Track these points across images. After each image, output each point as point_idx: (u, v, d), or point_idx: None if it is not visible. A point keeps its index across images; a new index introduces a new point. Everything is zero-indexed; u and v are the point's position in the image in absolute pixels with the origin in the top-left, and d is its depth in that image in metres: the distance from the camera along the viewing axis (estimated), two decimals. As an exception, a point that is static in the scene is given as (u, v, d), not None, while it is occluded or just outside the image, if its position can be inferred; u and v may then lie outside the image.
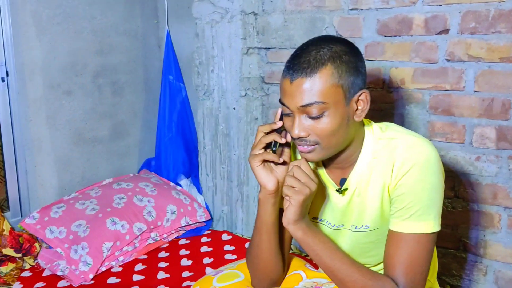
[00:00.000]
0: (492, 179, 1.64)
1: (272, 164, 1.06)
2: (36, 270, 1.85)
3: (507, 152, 1.59)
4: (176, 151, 2.40)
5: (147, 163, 2.50)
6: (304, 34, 1.95)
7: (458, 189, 1.71)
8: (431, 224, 0.99)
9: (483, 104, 1.61)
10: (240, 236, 2.13)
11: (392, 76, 1.78)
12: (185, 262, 1.90)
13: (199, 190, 2.36)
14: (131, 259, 1.93)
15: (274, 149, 1.03)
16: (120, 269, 1.85)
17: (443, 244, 1.77)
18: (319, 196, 1.12)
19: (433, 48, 1.67)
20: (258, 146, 1.04)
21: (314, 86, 0.94)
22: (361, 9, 1.80)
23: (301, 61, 0.96)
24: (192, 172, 2.43)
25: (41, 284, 1.74)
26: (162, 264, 1.88)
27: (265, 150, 1.04)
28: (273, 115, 2.11)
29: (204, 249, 2.01)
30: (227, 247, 2.02)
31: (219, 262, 1.88)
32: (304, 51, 0.98)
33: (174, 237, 2.11)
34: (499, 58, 1.55)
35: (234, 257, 1.93)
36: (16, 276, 1.79)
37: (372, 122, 1.11)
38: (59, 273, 1.78)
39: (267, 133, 1.04)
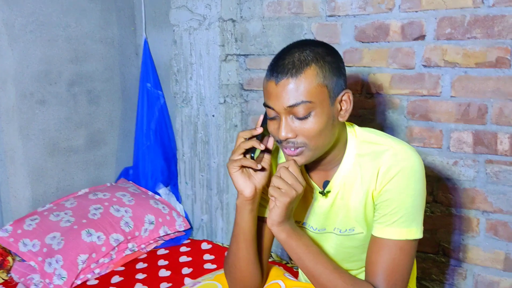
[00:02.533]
0: (470, 183, 1.65)
1: (250, 171, 1.05)
2: (10, 284, 1.78)
3: (484, 156, 1.61)
4: (154, 160, 2.36)
5: (125, 172, 2.45)
6: (283, 41, 1.95)
7: (437, 193, 1.72)
8: (414, 230, 0.99)
9: (460, 109, 1.63)
10: (220, 245, 2.10)
11: (370, 82, 1.79)
12: (163, 272, 1.86)
13: (178, 199, 2.32)
14: (107, 271, 1.88)
15: (253, 155, 1.03)
16: (96, 281, 1.80)
17: (423, 248, 1.78)
18: (301, 200, 1.11)
19: (410, 54, 1.69)
20: (237, 152, 1.03)
21: (300, 86, 0.94)
22: (339, 16, 1.81)
23: (285, 62, 0.96)
24: (171, 180, 2.39)
25: (13, 299, 1.68)
26: (140, 276, 1.84)
27: (245, 156, 1.03)
28: (252, 121, 2.09)
29: (183, 259, 1.97)
30: (206, 257, 1.98)
31: (198, 272, 1.85)
32: (287, 53, 0.98)
33: (153, 247, 2.07)
34: (475, 63, 1.57)
35: (214, 266, 1.89)
36: (-13, 292, 1.73)
37: (353, 124, 1.11)
38: (32, 287, 1.72)
39: (247, 139, 1.03)
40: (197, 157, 2.19)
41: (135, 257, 1.99)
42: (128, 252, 1.96)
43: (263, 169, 1.05)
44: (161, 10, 2.32)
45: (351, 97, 1.02)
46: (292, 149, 0.99)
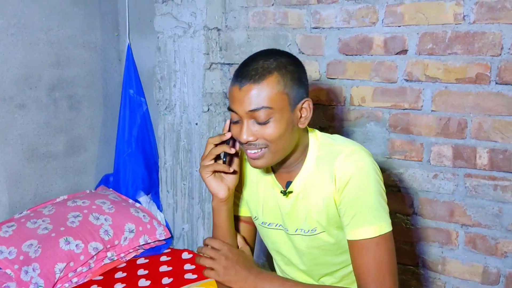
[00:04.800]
0: (449, 196, 1.68)
1: (222, 173, 1.12)
2: (-17, 294, 1.73)
3: (463, 170, 1.64)
4: (135, 167, 2.34)
5: (105, 179, 2.42)
6: (267, 51, 1.95)
7: (417, 206, 1.74)
8: (384, 224, 1.03)
9: (440, 123, 1.65)
10: (201, 254, 2.08)
11: (353, 94, 1.80)
12: (143, 282, 1.83)
13: (159, 207, 2.29)
14: (85, 280, 1.84)
15: (224, 159, 1.10)
16: (74, 291, 1.77)
17: (403, 260, 1.79)
18: (270, 201, 1.16)
19: (392, 68, 1.71)
20: (208, 157, 1.10)
21: (262, 92, 1.00)
22: (323, 28, 1.82)
23: (250, 69, 1.02)
24: (152, 188, 2.37)
25: (-14, 309, 1.64)
26: (119, 286, 1.81)
27: (215, 161, 1.10)
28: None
29: (163, 268, 1.95)
30: (187, 266, 1.96)
31: (178, 281, 1.83)
32: (252, 60, 1.04)
33: (132, 256, 2.04)
34: (455, 78, 1.60)
35: (195, 276, 1.88)
36: (-41, 301, 1.68)
37: (315, 130, 1.16)
38: (7, 297, 1.68)
39: (217, 145, 1.10)
40: (179, 166, 2.17)
41: (114, 266, 1.96)
42: (107, 261, 1.93)
43: (234, 172, 1.13)
44: (146, 17, 2.31)
45: (311, 105, 1.07)
46: (254, 151, 1.04)
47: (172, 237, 2.23)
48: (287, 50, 1.90)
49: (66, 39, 2.19)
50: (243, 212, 1.25)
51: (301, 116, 1.06)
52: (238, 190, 1.23)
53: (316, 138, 1.13)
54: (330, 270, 1.16)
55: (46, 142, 2.16)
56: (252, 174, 1.21)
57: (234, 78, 1.04)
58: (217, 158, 1.12)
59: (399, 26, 1.68)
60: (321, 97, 1.87)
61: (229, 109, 1.05)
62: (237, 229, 1.24)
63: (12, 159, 2.03)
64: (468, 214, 1.65)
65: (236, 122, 1.05)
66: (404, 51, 1.68)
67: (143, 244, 2.06)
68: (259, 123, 1.01)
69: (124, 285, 1.81)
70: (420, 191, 1.73)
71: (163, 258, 2.04)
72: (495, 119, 1.56)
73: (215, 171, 1.11)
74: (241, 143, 1.06)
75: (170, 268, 1.95)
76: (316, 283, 1.17)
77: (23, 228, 1.88)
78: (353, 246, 1.04)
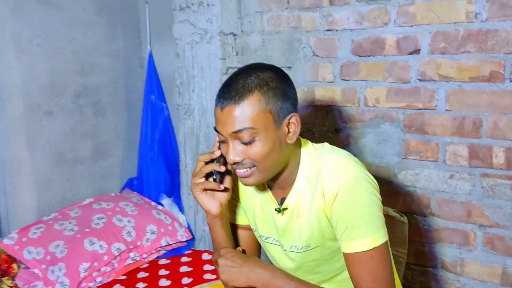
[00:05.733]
0: (466, 196, 1.65)
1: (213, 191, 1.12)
2: (13, 292, 1.83)
3: (480, 170, 1.61)
4: (158, 171, 2.40)
5: (129, 183, 2.50)
6: (282, 55, 1.98)
7: (434, 207, 1.72)
8: (377, 237, 1.00)
9: (455, 123, 1.64)
10: (221, 255, 2.12)
11: (367, 95, 1.81)
12: (163, 282, 1.89)
13: (181, 210, 2.35)
14: (109, 279, 1.91)
15: (214, 177, 1.09)
16: (98, 290, 1.84)
17: (421, 262, 1.78)
18: (267, 216, 1.15)
19: (405, 67, 1.70)
20: (198, 175, 1.10)
21: (243, 112, 0.98)
22: (336, 30, 1.84)
23: (230, 89, 1.00)
24: (174, 191, 2.43)
25: (16, 306, 1.73)
26: (140, 285, 1.87)
27: (206, 179, 1.10)
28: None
29: (183, 269, 2.00)
30: (207, 267, 2.00)
31: (198, 282, 1.87)
32: (233, 80, 1.02)
33: (155, 257, 2.10)
34: (469, 77, 1.59)
35: (214, 276, 1.92)
36: (-8, 298, 1.78)
37: (309, 142, 1.13)
38: (35, 295, 1.77)
39: (207, 163, 1.10)
40: (199, 168, 2.22)
41: (137, 266, 2.02)
42: (130, 261, 2.00)
43: (225, 189, 1.12)
44: (165, 24, 2.38)
45: (298, 120, 1.04)
46: (242, 170, 1.03)
47: (193, 238, 2.28)
48: (301, 53, 1.93)
49: (90, 48, 2.28)
50: (241, 220, 1.24)
51: (289, 132, 1.03)
52: (235, 199, 1.22)
53: (309, 151, 1.10)
54: (328, 277, 1.15)
55: (72, 147, 2.25)
56: (250, 187, 1.18)
57: (217, 98, 1.02)
58: (209, 175, 1.11)
59: (411, 26, 1.67)
60: (336, 99, 1.88)
61: (215, 129, 1.04)
62: (236, 237, 1.24)
63: (41, 164, 2.13)
64: (486, 215, 1.62)
65: (224, 142, 1.04)
66: (417, 51, 1.67)
67: (165, 245, 2.12)
68: (244, 143, 1.00)
69: (145, 284, 1.87)
70: (437, 192, 1.71)
71: (184, 259, 2.09)
72: (510, 118, 1.53)
73: (206, 189, 1.11)
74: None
75: (191, 268, 2.00)
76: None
77: (51, 230, 1.97)
78: (348, 258, 1.02)
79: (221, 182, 1.12)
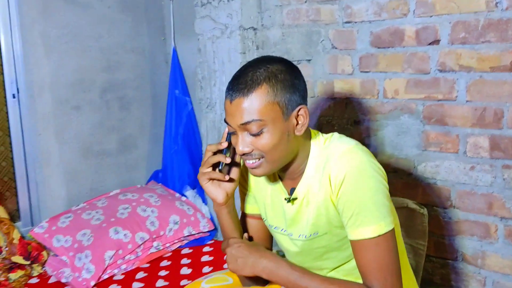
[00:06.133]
0: (487, 188, 1.63)
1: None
2: (43, 277, 1.92)
3: (501, 161, 1.58)
4: (181, 163, 2.46)
5: (155, 175, 2.57)
6: (301, 48, 2.00)
7: (454, 199, 1.70)
8: (383, 224, 1.00)
9: (476, 114, 1.61)
10: (242, 246, 2.16)
11: (386, 87, 1.80)
12: (185, 270, 1.94)
13: (204, 201, 2.40)
14: (133, 267, 1.98)
15: (220, 168, 1.11)
16: (122, 276, 1.91)
17: (441, 254, 1.76)
18: (277, 206, 1.17)
19: (425, 58, 1.69)
20: (205, 165, 1.13)
21: (251, 105, 1.00)
22: (355, 22, 1.84)
23: (239, 82, 1.02)
24: (198, 183, 2.48)
25: (45, 291, 1.82)
26: (163, 273, 1.93)
27: (214, 169, 1.13)
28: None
29: (205, 258, 2.05)
30: (228, 257, 2.04)
31: (218, 270, 1.91)
32: (242, 72, 1.04)
33: (178, 246, 2.16)
34: (489, 67, 1.56)
35: (234, 266, 1.95)
36: (24, 283, 1.87)
37: (319, 133, 1.14)
38: (63, 280, 1.85)
39: (215, 153, 1.12)
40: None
41: (161, 255, 2.09)
42: (153, 250, 2.06)
43: (231, 180, 1.14)
44: (188, 20, 2.42)
45: (307, 112, 1.06)
46: (251, 161, 1.05)
47: (216, 229, 2.33)
48: (320, 46, 1.94)
49: (116, 45, 2.36)
50: (252, 210, 1.26)
51: (297, 123, 1.05)
52: (246, 188, 1.25)
53: (318, 142, 1.11)
54: (338, 264, 1.16)
55: (99, 140, 2.34)
56: (261, 178, 1.20)
57: (226, 91, 1.04)
58: (216, 165, 1.13)
59: (430, 16, 1.65)
60: (355, 91, 1.88)
61: (225, 121, 1.06)
62: (247, 226, 1.26)
63: (69, 156, 2.22)
64: (507, 207, 1.59)
65: (234, 133, 1.06)
66: (436, 41, 1.65)
67: (187, 235, 2.18)
68: (252, 135, 1.02)
69: (167, 272, 1.93)
70: (457, 184, 1.69)
71: (206, 249, 2.14)
72: (532, 108, 1.50)
73: (212, 179, 1.13)
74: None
75: (212, 258, 2.05)
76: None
77: (79, 219, 2.05)
78: (354, 245, 1.03)
79: (228, 172, 1.14)
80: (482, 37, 1.56)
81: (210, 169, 1.13)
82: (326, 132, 1.16)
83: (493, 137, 1.59)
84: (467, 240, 1.70)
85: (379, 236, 1.00)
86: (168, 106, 2.49)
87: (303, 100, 1.07)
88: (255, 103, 1.00)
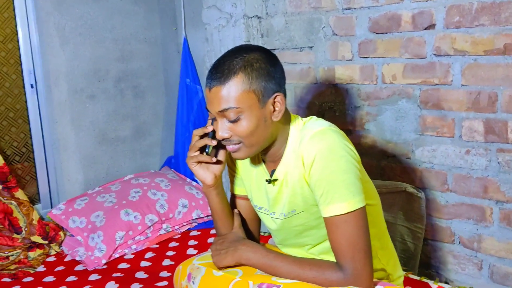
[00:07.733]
0: (482, 172, 1.64)
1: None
2: (60, 256, 2.05)
3: (496, 145, 1.59)
4: (192, 150, 2.54)
5: (168, 161, 2.67)
6: (304, 35, 2.03)
7: (451, 183, 1.72)
8: (352, 202, 1.04)
9: (471, 98, 1.62)
10: (248, 229, 2.23)
11: (384, 72, 1.82)
12: (191, 251, 2.04)
13: (214, 186, 2.48)
14: (143, 247, 2.09)
15: (207, 151, 1.17)
16: (132, 256, 2.02)
17: (439, 238, 1.78)
18: (261, 187, 1.23)
19: (421, 43, 1.70)
20: (192, 149, 1.18)
21: (228, 93, 1.06)
22: (354, 8, 1.86)
23: (217, 71, 1.08)
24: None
25: (61, 268, 1.94)
26: (170, 253, 2.03)
27: (201, 152, 1.18)
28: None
29: (211, 240, 2.14)
30: (233, 239, 2.12)
31: (222, 252, 2.00)
32: (220, 62, 1.10)
33: (186, 228, 2.25)
34: (483, 50, 1.56)
35: (238, 248, 2.03)
36: (42, 261, 2.00)
37: (298, 117, 1.19)
38: (77, 259, 1.97)
39: (201, 137, 1.17)
40: (229, 147, 2.34)
41: (170, 236, 2.18)
42: (162, 231, 2.16)
43: (218, 161, 1.20)
44: (198, 10, 2.49)
45: (283, 99, 1.11)
46: (230, 146, 1.12)
47: (224, 213, 2.40)
48: (321, 33, 1.97)
49: (129, 35, 2.45)
50: (240, 191, 1.33)
51: (274, 110, 1.10)
52: (234, 170, 1.32)
53: (297, 126, 1.16)
54: (317, 242, 1.21)
55: (114, 127, 2.45)
56: (246, 161, 1.26)
57: (206, 79, 1.10)
58: (203, 148, 1.19)
59: (426, 1, 1.66)
60: (355, 77, 1.91)
61: (206, 108, 1.13)
62: (235, 206, 1.33)
63: (86, 142, 2.35)
64: (502, 190, 1.60)
65: (215, 119, 1.12)
66: (432, 26, 1.66)
67: (196, 218, 2.27)
68: (231, 121, 1.08)
69: (174, 253, 2.03)
70: (453, 168, 1.70)
71: (213, 231, 2.22)
72: (526, 91, 1.50)
73: (200, 162, 1.19)
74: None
75: (218, 240, 2.13)
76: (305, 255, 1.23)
77: (94, 201, 2.17)
78: (326, 223, 1.08)
79: (216, 155, 1.20)
80: (476, 21, 1.56)
81: (198, 152, 1.19)
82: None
83: (488, 121, 1.59)
84: (464, 224, 1.72)
85: (348, 213, 1.04)
86: (179, 94, 2.57)
87: (280, 87, 1.12)
88: (231, 91, 1.06)
